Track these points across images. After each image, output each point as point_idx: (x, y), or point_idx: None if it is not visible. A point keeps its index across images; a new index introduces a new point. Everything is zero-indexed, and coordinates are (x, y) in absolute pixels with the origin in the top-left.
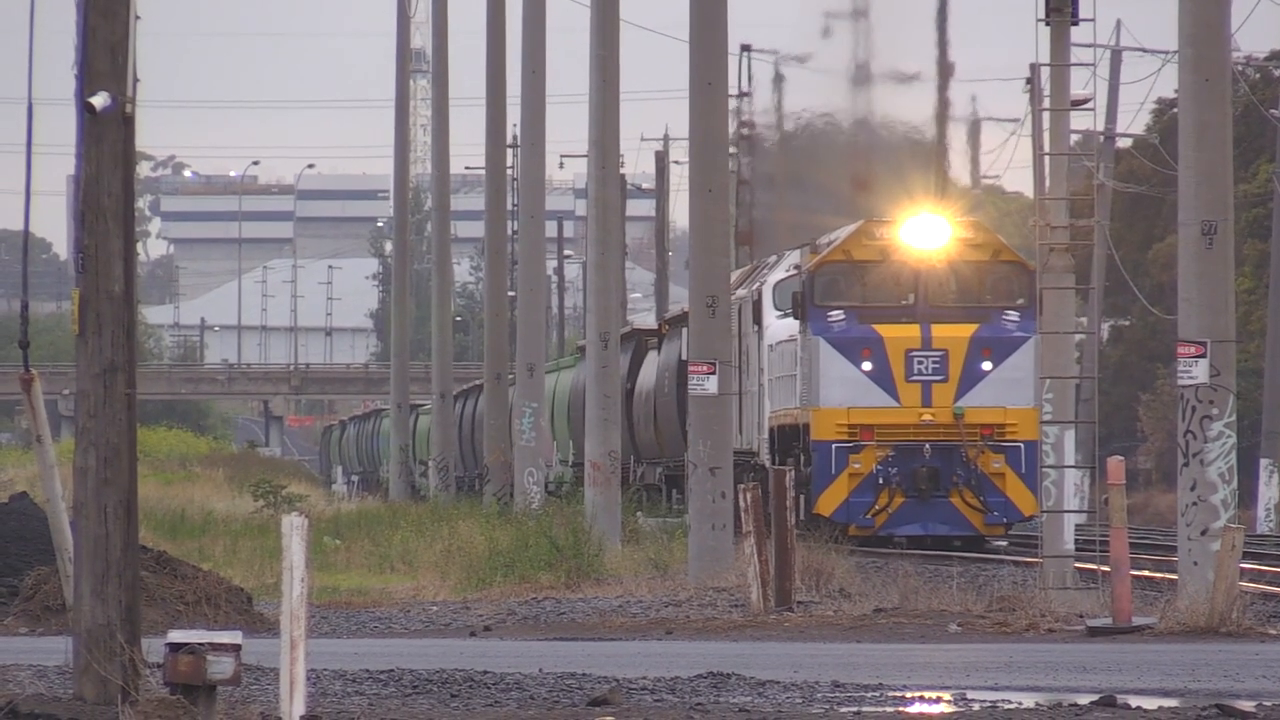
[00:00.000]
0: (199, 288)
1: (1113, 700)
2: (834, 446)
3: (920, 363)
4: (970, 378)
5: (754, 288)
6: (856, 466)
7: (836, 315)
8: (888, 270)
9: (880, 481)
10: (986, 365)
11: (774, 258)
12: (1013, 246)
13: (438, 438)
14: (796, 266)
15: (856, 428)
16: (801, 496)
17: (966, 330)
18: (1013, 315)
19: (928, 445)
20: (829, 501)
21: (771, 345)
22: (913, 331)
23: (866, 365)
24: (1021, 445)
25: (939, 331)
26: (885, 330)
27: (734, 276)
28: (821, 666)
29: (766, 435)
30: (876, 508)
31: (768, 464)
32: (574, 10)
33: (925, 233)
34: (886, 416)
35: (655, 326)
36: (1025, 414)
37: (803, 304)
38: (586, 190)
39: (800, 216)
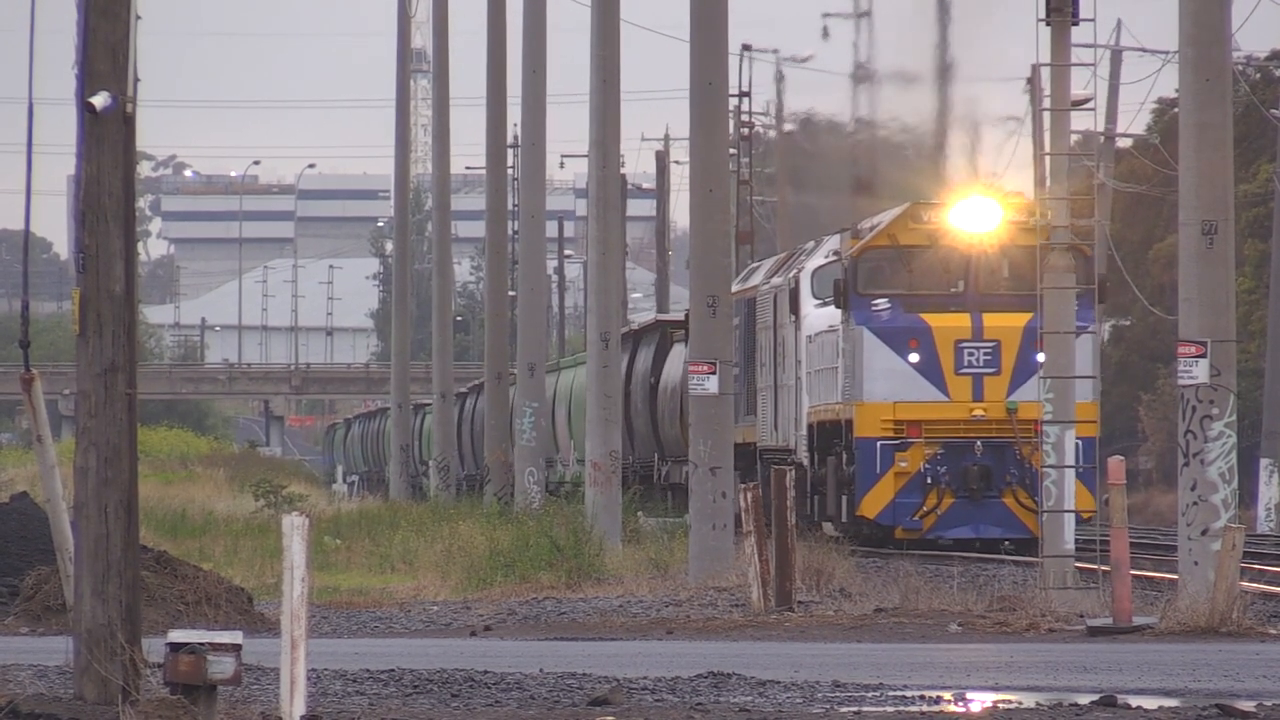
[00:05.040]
0: (199, 287)
1: (1113, 700)
2: (879, 444)
3: (971, 354)
4: (1024, 370)
5: (790, 275)
6: (903, 465)
7: (881, 304)
8: (936, 255)
9: (928, 481)
10: (1042, 357)
11: (811, 243)
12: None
13: (438, 437)
14: (836, 252)
15: (903, 424)
16: (844, 497)
17: (1020, 320)
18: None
19: (979, 442)
20: (874, 502)
21: (810, 336)
22: (963, 321)
23: (913, 357)
24: (1080, 442)
25: (991, 321)
26: (933, 319)
27: (768, 265)
28: (822, 666)
29: (804, 432)
30: (924, 509)
31: (805, 462)
32: (574, 10)
33: (976, 215)
34: (935, 411)
35: (682, 318)
36: (1083, 409)
37: (845, 292)
38: (587, 190)
39: (800, 215)
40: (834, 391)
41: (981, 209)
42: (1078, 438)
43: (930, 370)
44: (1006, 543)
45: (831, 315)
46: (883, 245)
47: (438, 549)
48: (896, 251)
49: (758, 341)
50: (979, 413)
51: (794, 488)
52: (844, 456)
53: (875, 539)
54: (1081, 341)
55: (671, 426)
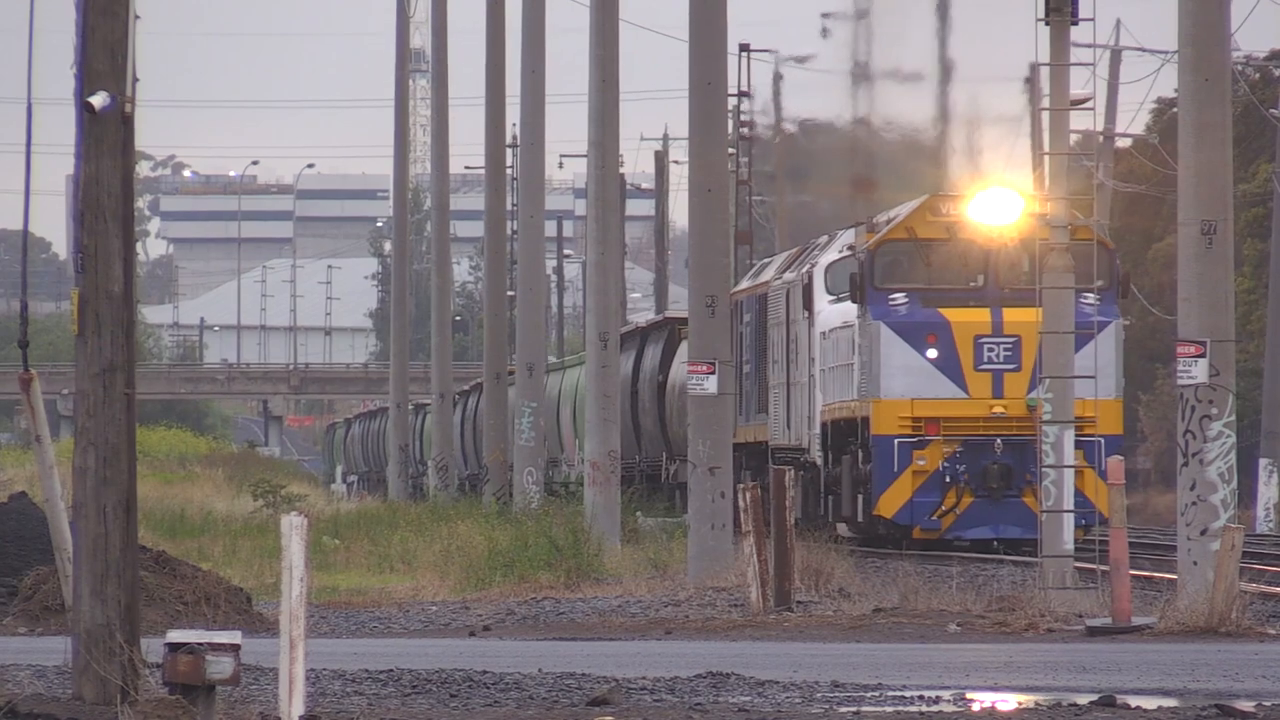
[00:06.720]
0: (198, 287)
1: (1112, 700)
2: (896, 442)
3: (990, 350)
4: None
5: (803, 270)
6: (921, 463)
7: (898, 298)
8: (955, 249)
9: (947, 480)
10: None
11: (824, 238)
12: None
13: (437, 437)
14: (850, 247)
15: (921, 421)
16: (860, 497)
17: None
18: (1091, 298)
19: (999, 440)
20: (891, 502)
21: (824, 332)
22: (982, 316)
23: (932, 353)
24: (1102, 440)
25: (1011, 316)
26: (952, 314)
27: (779, 260)
28: (821, 666)
29: (818, 430)
30: (943, 508)
31: (819, 461)
32: (574, 10)
33: (995, 208)
34: (954, 409)
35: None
36: (1106, 406)
37: (861, 286)
38: (586, 190)
39: (800, 215)
40: (849, 389)
41: (1001, 201)
42: (1101, 436)
43: (949, 366)
44: (1025, 549)
45: (846, 311)
46: (900, 238)
47: (436, 549)
48: (914, 245)
49: (769, 338)
50: (999, 410)
51: (798, 487)
52: (860, 455)
53: (892, 539)
54: (1104, 336)
55: (680, 425)
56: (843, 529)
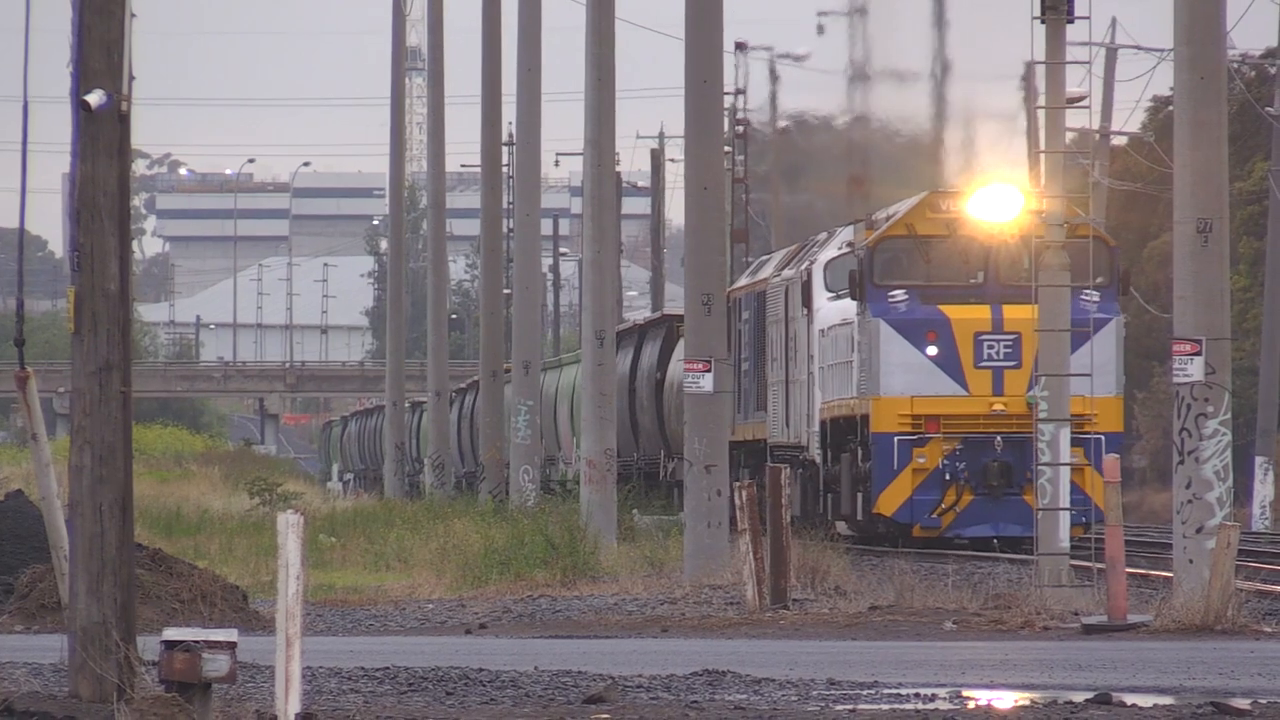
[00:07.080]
0: (194, 285)
1: (1108, 698)
2: (896, 439)
3: (991, 347)
4: None
5: (802, 267)
6: (921, 461)
7: (898, 295)
8: (955, 245)
9: (947, 478)
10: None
11: (823, 235)
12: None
13: (433, 435)
14: (849, 244)
15: (921, 419)
16: (859, 495)
17: None
18: (1093, 295)
19: (999, 438)
20: (890, 500)
21: (823, 330)
22: (982, 313)
23: (931, 350)
24: (1103, 438)
25: (1011, 313)
26: (952, 311)
27: (778, 257)
28: (817, 664)
29: (817, 428)
30: (943, 506)
31: (818, 459)
32: (570, 8)
33: (995, 204)
34: (954, 406)
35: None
36: (1107, 403)
37: (860, 283)
38: (582, 188)
39: (796, 213)
40: (849, 386)
41: (1001, 197)
42: (1102, 434)
43: (949, 363)
44: (1024, 547)
45: (845, 308)
46: (899, 235)
47: (433, 547)
48: (914, 241)
49: (768, 336)
50: (999, 407)
51: (795, 484)
52: (859, 453)
53: (891, 537)
54: (1104, 334)
55: (678, 423)
56: (842, 527)
